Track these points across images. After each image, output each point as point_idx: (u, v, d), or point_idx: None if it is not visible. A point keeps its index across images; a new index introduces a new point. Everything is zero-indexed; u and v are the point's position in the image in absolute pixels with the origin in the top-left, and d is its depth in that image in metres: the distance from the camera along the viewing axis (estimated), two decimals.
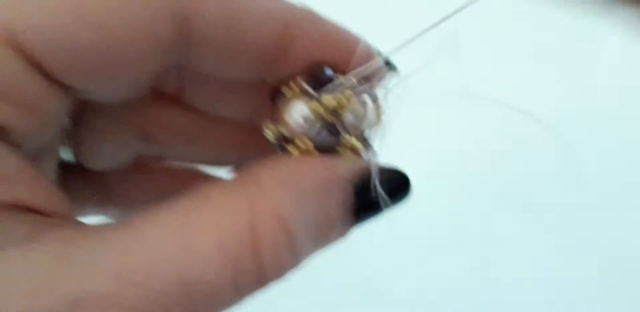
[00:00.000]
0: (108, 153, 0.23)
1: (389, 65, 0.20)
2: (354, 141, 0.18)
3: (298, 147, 0.18)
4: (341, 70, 0.19)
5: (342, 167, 0.17)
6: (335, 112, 0.18)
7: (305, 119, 0.18)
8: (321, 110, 0.18)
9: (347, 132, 0.18)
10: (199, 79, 0.21)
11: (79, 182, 0.23)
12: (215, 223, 0.15)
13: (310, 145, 0.18)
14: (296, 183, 0.16)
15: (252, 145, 0.23)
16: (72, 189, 0.23)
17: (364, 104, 0.18)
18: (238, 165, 0.25)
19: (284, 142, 0.18)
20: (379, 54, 0.19)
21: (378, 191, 0.17)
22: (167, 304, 0.14)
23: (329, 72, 0.18)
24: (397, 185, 0.18)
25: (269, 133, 0.18)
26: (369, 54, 0.19)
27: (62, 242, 0.15)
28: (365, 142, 0.19)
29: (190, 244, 0.15)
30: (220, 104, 0.22)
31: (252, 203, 0.16)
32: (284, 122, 0.18)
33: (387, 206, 0.18)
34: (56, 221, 0.16)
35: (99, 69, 0.16)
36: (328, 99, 0.18)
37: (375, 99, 0.19)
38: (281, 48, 0.18)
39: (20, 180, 0.15)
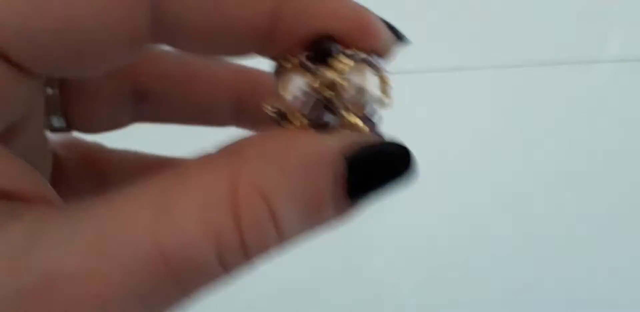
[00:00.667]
0: (102, 113, 0.22)
1: (398, 36, 0.18)
2: (352, 118, 0.17)
3: (292, 124, 0.17)
4: (347, 44, 0.17)
5: (334, 141, 0.16)
6: (335, 86, 0.16)
7: (303, 94, 0.17)
8: (316, 83, 0.16)
9: (347, 109, 0.17)
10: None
11: (77, 170, 0.23)
12: (195, 195, 0.15)
13: (305, 122, 0.17)
14: (281, 156, 0.15)
15: (249, 93, 0.23)
16: (70, 179, 0.23)
17: (365, 77, 0.17)
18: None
19: (282, 119, 0.17)
20: (386, 24, 0.18)
21: (376, 167, 0.16)
22: (147, 279, 0.14)
23: (330, 45, 0.17)
24: (397, 161, 0.16)
25: (268, 108, 0.17)
26: (374, 25, 0.17)
27: (35, 221, 0.14)
28: (368, 120, 0.17)
29: (168, 217, 0.14)
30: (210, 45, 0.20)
31: (233, 175, 0.15)
32: (281, 97, 0.17)
33: (386, 183, 0.16)
34: (30, 204, 0.15)
35: (66, 59, 0.15)
36: (324, 71, 0.16)
37: (379, 73, 0.18)
38: (273, 24, 0.16)
39: None
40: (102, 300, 0.14)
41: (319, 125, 0.17)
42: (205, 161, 0.16)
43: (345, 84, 0.16)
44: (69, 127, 0.22)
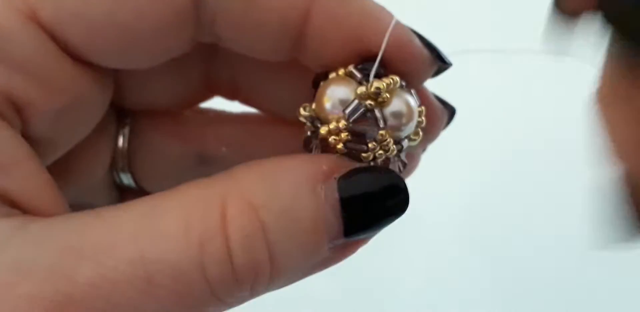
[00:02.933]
0: (165, 173, 0.23)
1: (440, 59, 0.18)
2: (389, 140, 0.16)
3: (330, 130, 0.16)
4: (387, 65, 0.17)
5: (322, 161, 0.16)
6: (378, 97, 0.16)
7: (343, 102, 0.16)
8: (363, 89, 0.16)
9: (385, 126, 0.16)
10: (248, 69, 0.20)
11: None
12: (183, 207, 0.14)
13: (344, 125, 0.16)
14: (272, 176, 0.15)
15: None
16: None
17: (408, 102, 0.17)
18: None
19: (319, 124, 0.17)
20: (426, 44, 0.18)
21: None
22: (121, 282, 0.13)
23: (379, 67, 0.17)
24: (389, 193, 0.16)
25: (302, 113, 0.17)
26: (405, 37, 0.17)
27: (20, 221, 0.14)
28: (399, 149, 0.17)
29: (153, 224, 0.14)
30: (276, 98, 0.21)
31: (224, 192, 0.14)
32: (321, 104, 0.16)
33: (380, 213, 0.15)
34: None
35: (119, 43, 0.16)
36: (373, 81, 0.16)
37: (419, 106, 0.17)
38: (305, 20, 0.17)
39: (12, 171, 0.15)
40: (66, 298, 0.13)
41: (355, 136, 0.16)
42: (196, 181, 0.16)
43: (388, 96, 0.16)
44: (136, 185, 0.23)
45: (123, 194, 0.23)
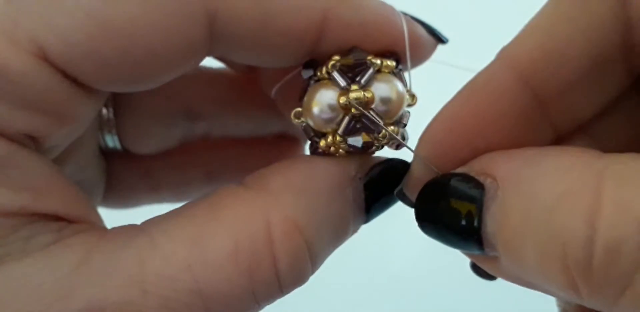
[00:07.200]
0: (155, 135, 0.23)
1: (439, 39, 0.19)
2: (390, 130, 0.17)
3: (327, 144, 0.17)
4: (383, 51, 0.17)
5: (350, 166, 0.17)
6: (365, 103, 0.17)
7: (332, 106, 0.17)
8: (343, 100, 0.16)
9: (381, 119, 0.17)
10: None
11: (127, 171, 0.24)
12: (229, 232, 0.15)
13: (340, 139, 0.17)
14: (307, 187, 0.16)
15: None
16: (121, 179, 0.24)
17: (394, 88, 0.17)
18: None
19: (313, 134, 0.17)
20: (427, 28, 0.18)
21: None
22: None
23: (360, 56, 0.17)
24: (402, 174, 0.17)
25: (295, 120, 0.17)
26: (423, 40, 0.18)
27: (84, 249, 0.15)
28: (398, 123, 0.18)
29: (204, 252, 0.15)
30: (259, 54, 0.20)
31: (266, 212, 0.15)
32: (309, 109, 0.17)
33: (395, 197, 0.17)
34: (80, 227, 0.16)
35: (131, 75, 0.16)
36: (355, 92, 0.16)
37: (403, 81, 0.18)
38: (320, 34, 0.17)
39: (48, 190, 0.16)
40: None
41: (355, 142, 0.17)
42: (235, 195, 0.16)
43: (369, 96, 0.16)
44: (122, 147, 0.23)
45: (109, 161, 0.23)
